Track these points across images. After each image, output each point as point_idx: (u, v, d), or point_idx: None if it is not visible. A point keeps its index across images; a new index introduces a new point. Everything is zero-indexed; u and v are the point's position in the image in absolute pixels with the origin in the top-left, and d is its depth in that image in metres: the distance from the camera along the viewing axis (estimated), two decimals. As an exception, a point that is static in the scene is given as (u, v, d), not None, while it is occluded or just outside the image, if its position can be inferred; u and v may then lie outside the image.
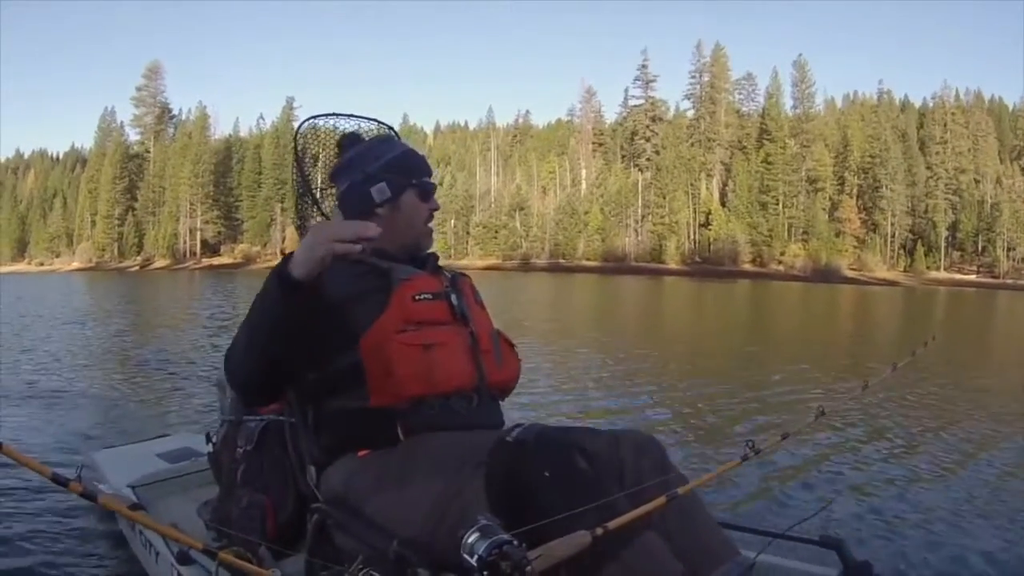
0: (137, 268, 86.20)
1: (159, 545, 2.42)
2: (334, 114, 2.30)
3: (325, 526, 1.76)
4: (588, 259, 79.58)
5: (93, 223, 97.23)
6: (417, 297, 1.85)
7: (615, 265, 75.02)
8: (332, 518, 1.75)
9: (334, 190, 2.20)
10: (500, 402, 1.99)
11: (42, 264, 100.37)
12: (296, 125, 2.35)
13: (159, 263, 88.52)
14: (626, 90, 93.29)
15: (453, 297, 1.94)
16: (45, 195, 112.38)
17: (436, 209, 2.05)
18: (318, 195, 2.27)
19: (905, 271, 70.99)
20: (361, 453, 1.77)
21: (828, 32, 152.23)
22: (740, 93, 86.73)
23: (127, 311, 22.33)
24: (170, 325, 16.84)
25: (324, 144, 2.31)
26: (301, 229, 2.27)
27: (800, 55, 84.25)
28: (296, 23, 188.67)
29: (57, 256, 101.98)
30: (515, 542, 1.23)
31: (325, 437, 1.83)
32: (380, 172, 1.99)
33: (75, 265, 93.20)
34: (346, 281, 1.82)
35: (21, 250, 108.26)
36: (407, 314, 1.81)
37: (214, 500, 2.32)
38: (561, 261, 79.79)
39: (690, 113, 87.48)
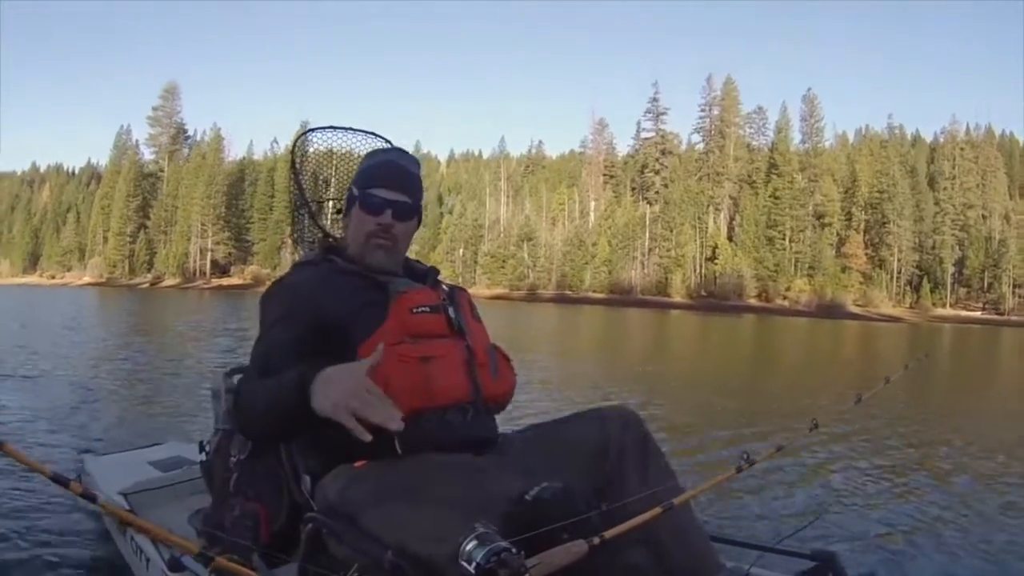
0: (147, 285, 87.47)
1: (150, 551, 2.42)
2: (331, 127, 2.36)
3: (319, 535, 1.75)
4: (594, 291, 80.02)
5: (105, 239, 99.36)
6: (415, 310, 1.88)
7: (621, 297, 75.57)
8: (327, 527, 1.74)
9: (332, 203, 2.34)
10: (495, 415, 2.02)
11: (53, 277, 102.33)
12: (295, 137, 2.36)
13: (169, 281, 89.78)
14: (638, 123, 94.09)
15: (450, 310, 1.97)
16: (59, 209, 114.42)
17: (386, 224, 2.00)
18: (314, 207, 2.34)
19: (911, 307, 71.13)
20: (358, 464, 1.77)
21: (841, 66, 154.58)
22: (751, 127, 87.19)
23: (132, 324, 22.98)
24: (172, 338, 17.17)
25: (321, 158, 2.39)
26: (297, 241, 2.38)
27: (809, 89, 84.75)
28: (313, 49, 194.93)
29: (68, 270, 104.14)
30: (513, 550, 1.23)
31: (321, 447, 1.85)
32: (349, 186, 2.07)
33: (86, 280, 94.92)
34: (344, 295, 1.87)
35: (33, 263, 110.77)
36: (404, 326, 1.84)
37: (206, 508, 2.33)
38: (567, 292, 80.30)
39: (700, 146, 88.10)
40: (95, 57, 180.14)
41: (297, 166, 2.33)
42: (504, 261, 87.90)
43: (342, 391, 1.50)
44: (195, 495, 2.77)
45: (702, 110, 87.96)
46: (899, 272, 74.26)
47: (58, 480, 1.28)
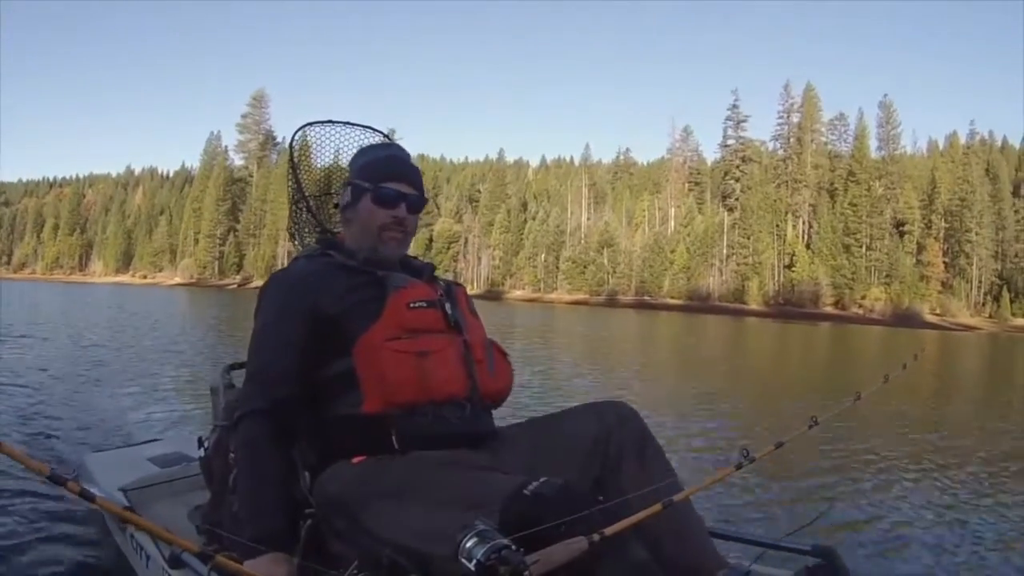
0: (236, 286, 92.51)
1: (150, 548, 2.45)
2: (330, 121, 2.42)
3: (318, 531, 1.81)
4: (672, 297, 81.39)
5: (196, 241, 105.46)
6: (411, 305, 1.92)
7: (698, 304, 76.82)
8: (325, 523, 1.80)
9: (327, 196, 2.40)
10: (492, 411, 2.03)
11: (145, 277, 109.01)
12: (294, 132, 2.41)
13: (257, 282, 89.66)
14: (724, 130, 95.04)
15: (447, 306, 2.01)
16: (152, 211, 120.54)
17: (400, 217, 2.06)
18: (312, 202, 2.36)
19: (990, 317, 70.25)
20: (356, 459, 1.83)
21: (929, 72, 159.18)
22: (833, 133, 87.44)
23: (182, 319, 25.22)
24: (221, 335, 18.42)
25: (319, 151, 2.43)
26: (295, 236, 2.41)
27: (886, 95, 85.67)
28: (400, 58, 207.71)
29: (160, 270, 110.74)
30: (513, 547, 1.25)
31: (319, 443, 1.91)
32: (351, 177, 2.10)
33: (177, 280, 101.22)
34: (341, 289, 1.93)
35: (126, 263, 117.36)
36: (401, 322, 1.89)
37: (206, 505, 2.37)
38: (646, 298, 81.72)
39: (780, 153, 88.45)
40: (191, 63, 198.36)
41: (295, 160, 2.35)
42: (584, 267, 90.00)
43: None
44: (195, 491, 2.78)
45: (780, 117, 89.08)
46: (979, 281, 73.62)
47: (55, 479, 1.25)
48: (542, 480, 1.58)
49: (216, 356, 12.31)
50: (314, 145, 2.43)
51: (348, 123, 2.44)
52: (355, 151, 2.29)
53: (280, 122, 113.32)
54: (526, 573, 1.23)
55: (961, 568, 3.74)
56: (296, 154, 2.36)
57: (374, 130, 2.47)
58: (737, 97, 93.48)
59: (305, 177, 2.40)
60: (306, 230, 2.39)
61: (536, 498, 1.53)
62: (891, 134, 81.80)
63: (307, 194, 2.37)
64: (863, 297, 75.07)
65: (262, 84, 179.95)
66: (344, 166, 2.37)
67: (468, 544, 1.26)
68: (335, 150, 2.42)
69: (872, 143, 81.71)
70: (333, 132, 2.44)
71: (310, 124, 2.44)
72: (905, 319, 66.45)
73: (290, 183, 2.36)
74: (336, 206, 2.27)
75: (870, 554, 3.88)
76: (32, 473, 1.25)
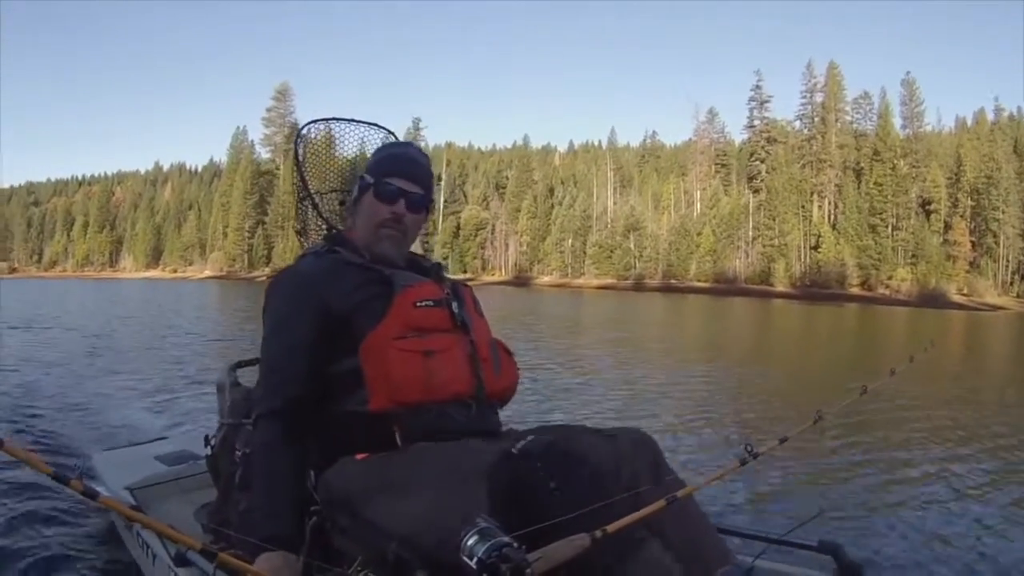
0: (265, 278, 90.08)
1: (156, 547, 2.50)
2: (335, 119, 2.45)
3: (323, 528, 1.82)
4: (699, 280, 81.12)
5: (225, 235, 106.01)
6: (418, 304, 1.95)
7: (725, 287, 76.76)
8: (330, 520, 1.81)
9: (333, 194, 2.41)
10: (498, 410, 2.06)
11: (175, 271, 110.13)
12: (298, 129, 2.40)
13: None
14: (749, 111, 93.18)
15: (454, 305, 2.03)
16: (181, 207, 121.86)
17: (399, 214, 2.07)
18: (317, 199, 2.38)
19: (1018, 296, 68.59)
20: (360, 456, 1.86)
21: (956, 50, 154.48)
22: (857, 112, 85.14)
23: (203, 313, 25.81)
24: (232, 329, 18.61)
25: (324, 148, 2.45)
26: (301, 233, 2.44)
27: (908, 73, 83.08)
28: (426, 46, 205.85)
29: (190, 264, 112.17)
30: (515, 544, 1.25)
31: (324, 440, 1.92)
32: (360, 175, 2.14)
33: (207, 273, 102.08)
34: (349, 288, 1.95)
35: (156, 258, 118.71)
36: (408, 321, 1.91)
37: (212, 503, 2.41)
38: (673, 282, 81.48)
39: (805, 133, 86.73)
40: (217, 59, 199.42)
41: (300, 157, 2.35)
42: (611, 251, 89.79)
43: None
44: (201, 490, 2.82)
45: (803, 96, 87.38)
46: (1006, 260, 71.45)
47: (58, 478, 1.26)
48: (529, 438, 1.68)
49: (230, 351, 11.84)
50: (338, 139, 2.44)
51: (353, 120, 2.45)
52: (359, 148, 2.40)
53: (305, 115, 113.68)
54: (528, 571, 1.23)
55: (970, 562, 3.74)
56: (301, 152, 2.39)
57: (379, 127, 2.50)
58: (760, 77, 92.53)
59: (323, 171, 2.46)
60: (312, 227, 2.43)
61: (524, 456, 1.61)
62: (914, 111, 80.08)
63: (314, 191, 2.40)
64: (889, 278, 73.89)
65: (286, 77, 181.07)
66: (347, 163, 2.47)
67: (470, 542, 1.27)
68: (359, 142, 2.42)
69: (896, 122, 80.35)
70: (338, 129, 2.47)
71: (313, 122, 2.47)
72: (932, 300, 65.48)
73: (295, 181, 2.39)
74: (342, 203, 2.35)
75: (877, 549, 3.88)
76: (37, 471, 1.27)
